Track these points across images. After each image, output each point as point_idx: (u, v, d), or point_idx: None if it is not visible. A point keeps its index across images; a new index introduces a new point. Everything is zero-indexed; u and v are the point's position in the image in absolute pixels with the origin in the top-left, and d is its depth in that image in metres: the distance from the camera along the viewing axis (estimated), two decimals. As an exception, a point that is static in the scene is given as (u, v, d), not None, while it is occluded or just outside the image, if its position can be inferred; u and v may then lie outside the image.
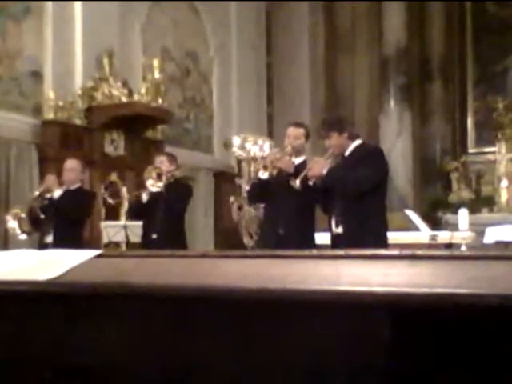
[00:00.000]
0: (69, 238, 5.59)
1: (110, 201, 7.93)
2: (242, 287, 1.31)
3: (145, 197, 5.80)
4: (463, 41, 12.30)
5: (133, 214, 6.48)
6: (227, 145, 9.52)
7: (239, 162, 8.56)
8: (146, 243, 5.82)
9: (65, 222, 5.84)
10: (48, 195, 5.97)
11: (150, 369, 1.45)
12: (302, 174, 4.46)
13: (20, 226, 6.00)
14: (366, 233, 4.22)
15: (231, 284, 1.33)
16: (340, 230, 4.36)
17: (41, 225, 5.99)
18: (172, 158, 6.11)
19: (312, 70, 11.93)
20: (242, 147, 8.24)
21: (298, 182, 4.46)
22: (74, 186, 6.13)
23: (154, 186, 5.67)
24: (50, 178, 6.15)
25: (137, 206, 6.00)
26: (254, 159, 8.10)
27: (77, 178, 6.19)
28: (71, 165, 6.19)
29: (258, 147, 8.37)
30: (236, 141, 8.43)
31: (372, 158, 4.43)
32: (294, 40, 11.80)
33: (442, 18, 12.15)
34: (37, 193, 6.06)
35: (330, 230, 4.51)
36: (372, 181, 4.35)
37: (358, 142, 4.51)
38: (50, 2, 8.03)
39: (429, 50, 12.14)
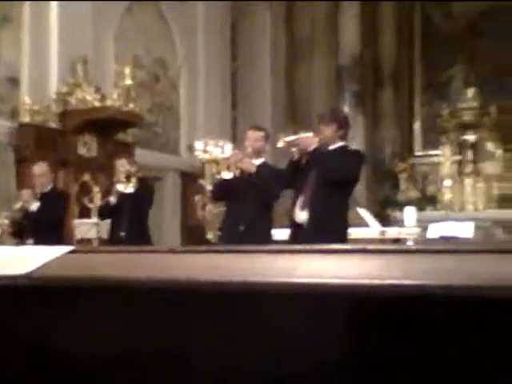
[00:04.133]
0: (48, 240, 5.54)
1: (85, 200, 7.86)
2: (207, 280, 1.31)
3: (113, 199, 5.79)
4: (412, 51, 12.46)
5: (103, 216, 6.43)
6: (191, 149, 9.51)
7: (202, 164, 8.55)
8: (114, 240, 5.80)
9: (44, 227, 5.78)
10: (26, 208, 5.91)
11: (123, 358, 1.44)
12: (293, 137, 4.39)
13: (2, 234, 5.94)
14: (329, 227, 4.20)
15: (196, 277, 1.32)
16: (304, 216, 4.32)
17: (24, 232, 5.93)
18: (131, 161, 6.13)
19: (273, 77, 11.95)
20: (205, 150, 8.25)
21: (281, 144, 4.40)
22: (47, 189, 6.05)
23: (126, 188, 5.66)
24: (25, 193, 6.06)
25: (106, 208, 5.98)
26: (217, 161, 8.10)
27: (48, 181, 6.11)
28: (40, 170, 6.10)
29: (220, 149, 8.37)
30: (199, 145, 8.46)
31: (352, 156, 4.46)
32: (257, 48, 11.81)
33: (393, 30, 12.31)
34: (17, 206, 5.98)
35: (292, 213, 4.45)
36: (355, 172, 4.35)
37: (343, 143, 4.53)
38: (28, 12, 7.91)
39: (381, 59, 12.27)
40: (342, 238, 4.25)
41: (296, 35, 12.40)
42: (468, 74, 11.86)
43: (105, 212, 6.17)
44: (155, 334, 1.41)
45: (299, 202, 4.39)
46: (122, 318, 1.45)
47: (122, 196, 5.72)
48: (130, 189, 5.71)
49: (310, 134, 4.43)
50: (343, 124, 4.53)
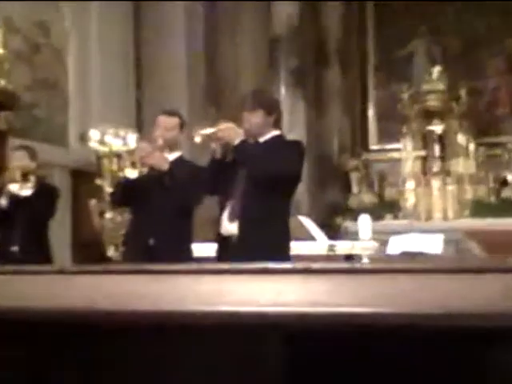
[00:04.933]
0: None
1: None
2: (105, 309, 1.30)
3: (3, 202, 5.63)
4: (363, 21, 12.65)
5: None
6: (84, 139, 9.39)
7: (99, 158, 8.44)
8: (5, 257, 5.67)
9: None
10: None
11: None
12: (211, 130, 4.37)
13: None
14: (264, 241, 4.19)
15: (92, 305, 1.31)
16: (233, 227, 4.32)
17: None
18: (32, 153, 5.98)
19: (189, 47, 11.92)
20: (102, 141, 8.15)
21: (198, 139, 4.37)
22: None
23: (21, 189, 5.52)
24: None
25: None
26: (117, 155, 8.02)
27: None
28: None
29: (121, 140, 8.31)
30: (94, 134, 8.31)
31: (291, 149, 4.44)
32: (168, 12, 11.76)
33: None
34: None
35: (218, 227, 4.45)
36: (295, 167, 4.34)
37: (278, 132, 4.52)
38: None
39: (325, 28, 12.39)
40: (282, 255, 4.27)
41: (218, -4, 12.44)
42: (432, 50, 12.14)
43: None
44: (40, 375, 1.39)
45: (227, 210, 4.40)
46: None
47: (15, 200, 5.59)
48: (26, 191, 5.56)
49: (230, 125, 4.43)
50: (272, 108, 4.53)
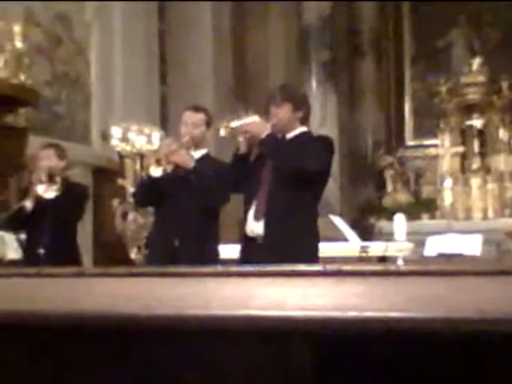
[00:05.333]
0: None
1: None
2: (128, 313, 1.31)
3: (29, 204, 5.66)
4: (399, 9, 12.59)
5: (13, 226, 6.29)
6: (106, 137, 9.39)
7: (121, 157, 8.44)
8: (31, 260, 5.72)
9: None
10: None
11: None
12: (239, 123, 4.37)
13: None
14: (292, 241, 4.20)
15: (113, 309, 1.32)
16: (259, 227, 4.32)
17: None
18: (61, 152, 6.01)
19: (216, 42, 11.94)
20: (125, 139, 8.15)
21: (223, 132, 4.38)
22: None
23: (47, 191, 5.55)
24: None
25: (19, 217, 5.82)
26: (141, 154, 8.04)
27: None
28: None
29: (146, 138, 8.31)
30: (116, 131, 8.30)
31: (319, 144, 4.44)
32: (193, 3, 11.78)
33: (373, -19, 12.42)
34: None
35: (244, 228, 4.44)
36: (324, 164, 4.35)
37: (305, 128, 4.53)
38: None
39: (358, 18, 12.35)
40: (311, 257, 4.26)
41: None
42: (472, 40, 12.06)
43: (17, 222, 6.04)
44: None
45: (253, 209, 4.39)
46: (11, 363, 1.43)
47: (42, 201, 5.62)
48: (51, 193, 5.59)
49: (257, 118, 4.43)
50: (300, 103, 4.54)
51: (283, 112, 4.43)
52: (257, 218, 4.33)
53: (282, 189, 4.28)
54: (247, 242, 4.41)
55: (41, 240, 5.68)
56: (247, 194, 4.48)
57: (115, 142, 8.33)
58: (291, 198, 4.27)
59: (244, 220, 4.44)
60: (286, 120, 4.44)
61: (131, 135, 8.23)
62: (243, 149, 4.37)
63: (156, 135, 8.29)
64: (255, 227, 4.32)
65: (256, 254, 4.26)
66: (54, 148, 6.07)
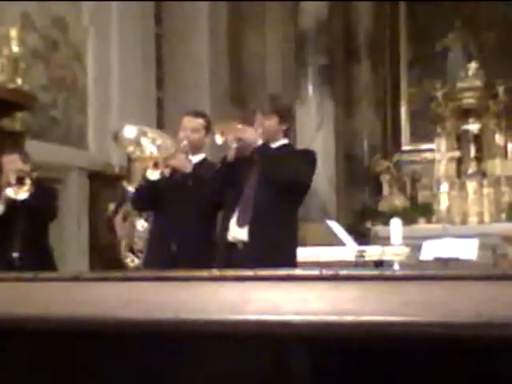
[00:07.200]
0: None
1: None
2: (124, 318, 1.30)
3: (0, 208, 5.68)
4: (395, 14, 12.61)
5: None
6: (117, 137, 9.34)
7: (130, 160, 8.41)
8: (5, 264, 5.71)
9: None
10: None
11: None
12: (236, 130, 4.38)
13: None
14: (277, 246, 4.25)
15: (110, 313, 1.32)
16: (243, 233, 4.34)
17: None
18: (25, 157, 6.04)
19: (213, 45, 11.94)
20: (137, 142, 8.12)
21: (219, 140, 4.38)
22: None
23: (17, 193, 5.56)
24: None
25: None
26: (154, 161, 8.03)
27: None
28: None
29: (156, 148, 8.29)
30: (130, 131, 8.26)
31: (305, 157, 4.53)
32: (190, 7, 11.79)
33: (370, -14, 12.43)
34: None
35: (222, 232, 4.47)
36: (308, 175, 4.43)
37: (286, 141, 4.59)
38: None
39: (355, 23, 12.37)
40: (289, 261, 4.30)
41: (242, -11, 12.45)
42: (468, 45, 12.08)
43: None
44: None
45: (235, 215, 4.41)
46: (8, 367, 1.43)
47: (13, 204, 5.63)
48: (23, 194, 5.61)
49: (249, 127, 4.48)
50: (286, 117, 4.63)
51: (270, 123, 4.51)
52: (240, 224, 4.35)
53: (269, 197, 4.32)
54: (226, 247, 4.43)
55: (14, 244, 5.71)
56: (228, 200, 4.51)
57: (129, 146, 8.29)
58: (277, 207, 4.32)
59: (223, 225, 4.47)
60: (272, 131, 4.51)
61: (144, 140, 8.20)
62: (230, 157, 4.39)
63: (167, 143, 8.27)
64: (238, 233, 4.35)
65: (236, 259, 4.28)
66: (17, 153, 6.14)
